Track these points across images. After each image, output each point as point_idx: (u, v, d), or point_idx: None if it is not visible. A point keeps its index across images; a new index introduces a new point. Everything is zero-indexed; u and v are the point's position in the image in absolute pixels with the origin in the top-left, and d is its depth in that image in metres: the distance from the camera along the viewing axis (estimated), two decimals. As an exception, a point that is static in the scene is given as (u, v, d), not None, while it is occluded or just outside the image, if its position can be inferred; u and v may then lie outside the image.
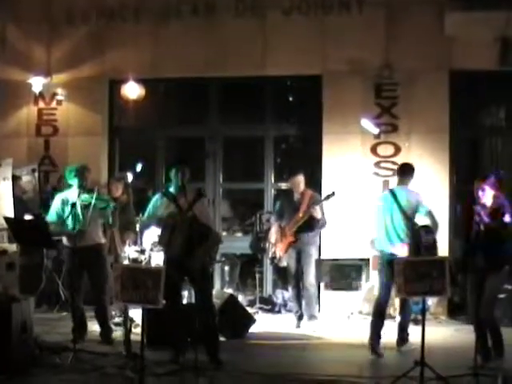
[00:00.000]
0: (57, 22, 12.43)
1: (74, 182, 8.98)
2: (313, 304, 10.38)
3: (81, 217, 8.77)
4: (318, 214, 10.18)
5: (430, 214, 8.82)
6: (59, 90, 12.39)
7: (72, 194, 8.95)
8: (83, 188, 8.90)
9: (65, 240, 9.09)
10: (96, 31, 12.34)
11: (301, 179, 10.47)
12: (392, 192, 8.88)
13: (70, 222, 8.68)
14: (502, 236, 7.64)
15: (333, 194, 10.20)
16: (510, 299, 10.21)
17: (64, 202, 8.93)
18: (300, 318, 10.36)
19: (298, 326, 10.30)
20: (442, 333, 9.54)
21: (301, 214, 10.20)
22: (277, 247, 10.45)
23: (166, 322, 8.12)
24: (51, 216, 9.02)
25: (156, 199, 8.37)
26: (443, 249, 10.26)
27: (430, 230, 8.63)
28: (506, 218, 7.66)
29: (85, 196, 8.84)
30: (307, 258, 10.29)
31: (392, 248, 8.60)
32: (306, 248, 10.32)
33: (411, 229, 8.64)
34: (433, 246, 8.56)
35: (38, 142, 12.58)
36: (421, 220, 8.80)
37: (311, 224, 10.25)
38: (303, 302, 10.35)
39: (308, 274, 10.27)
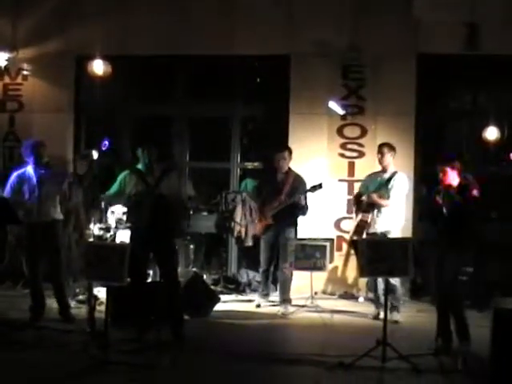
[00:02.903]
0: (23, -5, 12.30)
1: (30, 157, 8.92)
2: (287, 287, 10.23)
3: (36, 193, 8.75)
4: (302, 201, 10.10)
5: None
6: (25, 65, 12.26)
7: (28, 170, 8.91)
8: (39, 164, 8.86)
9: (22, 216, 8.98)
10: (63, 6, 12.20)
11: (286, 155, 10.22)
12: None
13: (26, 197, 8.73)
14: (465, 215, 7.67)
15: (320, 186, 10.04)
16: (470, 282, 10.31)
17: (20, 178, 8.88)
18: (265, 296, 10.41)
19: (259, 306, 10.34)
20: (405, 313, 9.63)
21: (283, 198, 10.08)
22: (256, 225, 10.40)
23: (131, 300, 8.10)
24: (7, 192, 8.92)
25: (124, 176, 8.28)
26: (407, 230, 10.38)
27: None
28: (474, 192, 7.62)
29: (41, 172, 8.82)
30: (285, 242, 10.17)
31: None
32: (285, 232, 10.17)
33: None
34: None
35: (2, 117, 12.46)
36: None
37: (292, 209, 10.13)
38: (278, 286, 10.33)
39: (284, 257, 10.16)
